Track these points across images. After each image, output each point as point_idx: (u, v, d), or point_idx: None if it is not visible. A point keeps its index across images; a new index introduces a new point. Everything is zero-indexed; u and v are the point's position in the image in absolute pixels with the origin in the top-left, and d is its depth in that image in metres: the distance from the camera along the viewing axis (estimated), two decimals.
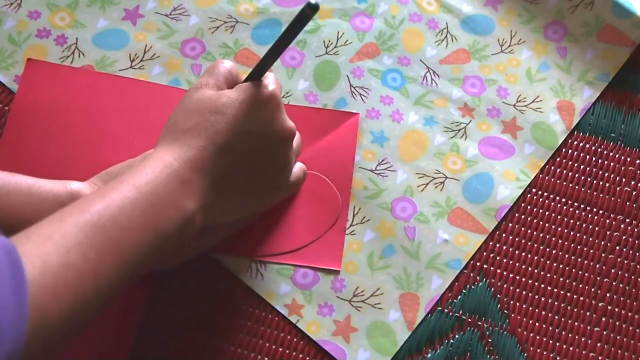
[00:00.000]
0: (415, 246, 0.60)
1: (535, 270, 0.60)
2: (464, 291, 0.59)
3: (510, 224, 0.61)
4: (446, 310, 0.58)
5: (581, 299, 0.59)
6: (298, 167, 0.59)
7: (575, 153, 0.64)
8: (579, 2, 0.68)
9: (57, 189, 0.51)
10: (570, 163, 0.63)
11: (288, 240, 0.59)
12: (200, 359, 0.56)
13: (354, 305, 0.58)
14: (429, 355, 0.57)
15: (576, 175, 0.63)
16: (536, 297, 0.59)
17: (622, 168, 0.63)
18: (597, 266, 0.60)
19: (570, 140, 0.64)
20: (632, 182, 0.63)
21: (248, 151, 0.51)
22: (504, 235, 0.61)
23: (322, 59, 0.66)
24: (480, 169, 0.63)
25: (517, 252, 0.60)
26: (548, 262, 0.60)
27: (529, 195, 0.62)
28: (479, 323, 0.58)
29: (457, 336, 0.58)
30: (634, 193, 0.62)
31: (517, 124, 0.64)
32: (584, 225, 0.61)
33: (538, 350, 0.57)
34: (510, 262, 0.60)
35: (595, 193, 0.62)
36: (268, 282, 0.58)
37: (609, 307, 0.59)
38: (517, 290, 0.59)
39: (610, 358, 0.57)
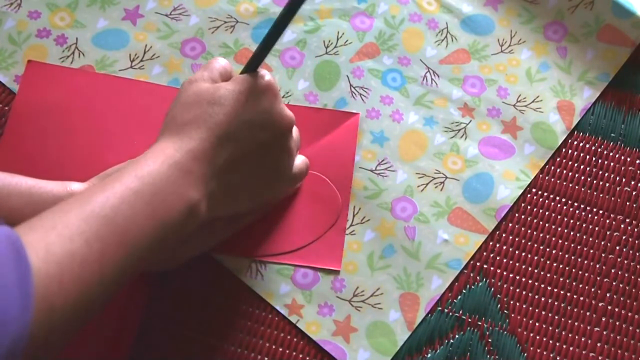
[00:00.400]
0: (415, 246, 0.60)
1: (535, 270, 0.60)
2: (464, 291, 0.59)
3: (510, 224, 0.61)
4: (446, 310, 0.58)
5: (581, 299, 0.59)
6: (301, 160, 0.59)
7: (575, 153, 0.64)
8: (579, 2, 0.68)
9: (57, 190, 0.51)
10: (570, 163, 0.63)
11: (288, 240, 0.59)
12: (200, 359, 0.56)
13: (354, 305, 0.58)
14: (429, 355, 0.57)
15: (576, 175, 0.63)
16: (536, 297, 0.59)
17: (622, 168, 0.63)
18: (597, 266, 0.60)
19: (570, 140, 0.64)
20: (632, 182, 0.63)
21: (248, 141, 0.51)
22: (504, 235, 0.61)
23: (322, 59, 0.66)
24: (480, 169, 0.63)
25: (517, 252, 0.60)
26: (548, 262, 0.60)
27: (529, 195, 0.62)
28: (479, 323, 0.58)
29: (457, 336, 0.58)
30: (634, 193, 0.62)
31: (517, 124, 0.64)
32: (584, 225, 0.61)
33: (538, 350, 0.57)
34: (510, 262, 0.60)
35: (595, 193, 0.62)
36: (268, 282, 0.58)
37: (609, 307, 0.59)
38: (517, 290, 0.59)
39: (610, 358, 0.57)
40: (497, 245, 0.60)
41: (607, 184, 0.63)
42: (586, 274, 0.60)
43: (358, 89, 0.65)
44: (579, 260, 0.60)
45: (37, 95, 0.62)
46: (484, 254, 0.60)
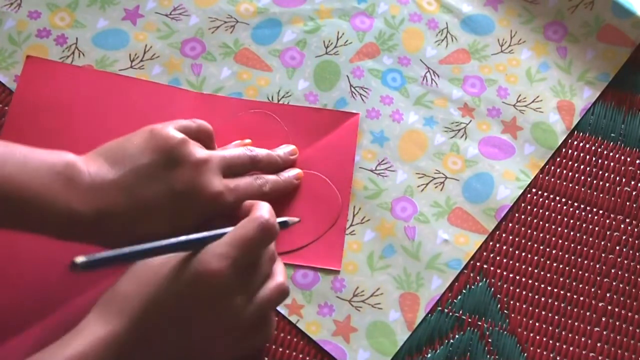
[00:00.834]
0: (415, 246, 0.60)
1: (535, 270, 0.60)
2: (464, 291, 0.59)
3: (510, 224, 0.61)
4: (446, 310, 0.58)
5: (581, 299, 0.59)
6: (274, 285, 0.52)
7: (575, 153, 0.64)
8: (579, 2, 0.68)
9: (52, 158, 0.50)
10: (570, 163, 0.63)
11: (288, 240, 0.59)
12: None
13: (354, 305, 0.58)
14: (429, 355, 0.57)
15: (576, 175, 0.63)
16: (536, 297, 0.59)
17: (622, 168, 0.63)
18: (597, 266, 0.60)
19: (570, 140, 0.64)
20: (632, 182, 0.63)
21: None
22: (504, 235, 0.61)
23: (322, 59, 0.66)
24: (480, 169, 0.63)
25: (517, 252, 0.60)
26: (548, 262, 0.60)
27: (529, 195, 0.62)
28: (479, 323, 0.58)
29: (457, 336, 0.58)
30: (634, 193, 0.62)
31: (517, 124, 0.64)
32: (584, 225, 0.61)
33: (538, 350, 0.57)
34: (510, 262, 0.60)
35: (595, 193, 0.62)
36: None
37: (609, 307, 0.59)
38: (517, 290, 0.59)
39: (610, 358, 0.57)
40: (497, 245, 0.60)
41: (607, 184, 0.63)
42: (586, 274, 0.60)
43: (358, 89, 0.65)
44: (579, 260, 0.60)
45: (36, 92, 0.62)
46: (484, 254, 0.60)
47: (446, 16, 0.68)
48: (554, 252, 0.60)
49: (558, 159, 0.63)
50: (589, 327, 0.58)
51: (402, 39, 0.67)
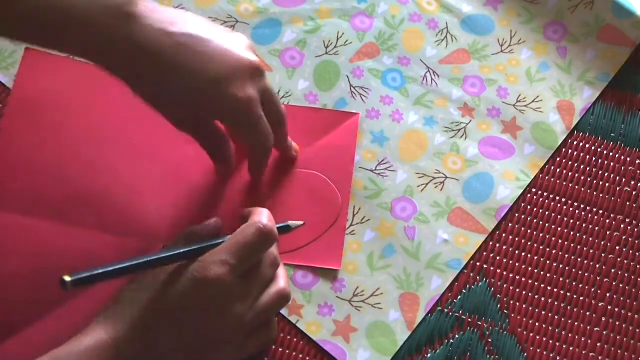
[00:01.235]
0: (415, 246, 0.60)
1: (535, 270, 0.60)
2: (464, 291, 0.59)
3: (510, 224, 0.61)
4: (446, 310, 0.58)
5: (581, 299, 0.59)
6: (275, 290, 0.52)
7: (575, 153, 0.64)
8: (579, 2, 0.68)
9: None
10: (570, 163, 0.63)
11: (288, 240, 0.59)
12: None
13: (354, 305, 0.58)
14: (429, 355, 0.57)
15: (576, 175, 0.63)
16: (536, 297, 0.59)
17: (622, 168, 0.63)
18: (597, 266, 0.60)
19: (570, 140, 0.64)
20: (632, 182, 0.63)
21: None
22: (504, 235, 0.61)
23: (322, 59, 0.66)
24: (480, 169, 0.63)
25: (517, 252, 0.60)
26: (548, 262, 0.60)
27: (529, 195, 0.62)
28: (479, 323, 0.58)
29: (457, 336, 0.58)
30: (634, 193, 0.62)
31: (517, 124, 0.64)
32: (584, 225, 0.61)
33: (538, 350, 0.57)
34: (510, 262, 0.60)
35: (595, 193, 0.62)
36: None
37: (609, 307, 0.59)
38: (517, 290, 0.59)
39: (610, 358, 0.57)
40: (497, 245, 0.60)
41: (607, 184, 0.63)
42: (586, 274, 0.60)
43: (358, 89, 0.65)
44: (579, 260, 0.60)
45: (34, 86, 0.62)
46: (484, 254, 0.60)
47: (446, 16, 0.68)
48: (554, 252, 0.60)
49: (558, 159, 0.63)
50: (589, 327, 0.58)
51: (402, 39, 0.67)
